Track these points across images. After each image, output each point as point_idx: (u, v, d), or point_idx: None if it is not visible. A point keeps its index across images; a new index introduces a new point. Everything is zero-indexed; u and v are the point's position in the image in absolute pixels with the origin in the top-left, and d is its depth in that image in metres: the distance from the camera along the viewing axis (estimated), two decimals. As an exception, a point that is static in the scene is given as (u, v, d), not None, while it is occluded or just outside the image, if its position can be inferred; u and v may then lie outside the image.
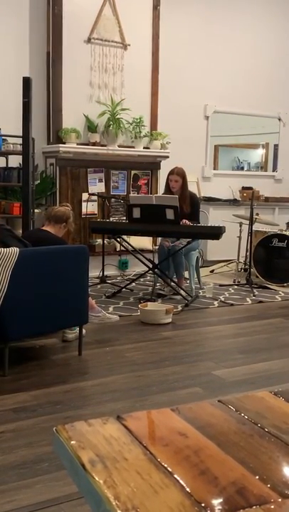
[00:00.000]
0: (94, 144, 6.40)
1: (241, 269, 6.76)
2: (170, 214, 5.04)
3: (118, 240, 5.66)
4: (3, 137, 5.74)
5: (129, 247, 5.61)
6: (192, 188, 6.57)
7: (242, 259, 6.79)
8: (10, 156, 5.96)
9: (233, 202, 7.49)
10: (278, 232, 6.39)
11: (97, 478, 0.93)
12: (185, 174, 5.61)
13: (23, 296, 3.32)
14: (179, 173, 5.56)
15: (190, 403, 1.32)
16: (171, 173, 5.61)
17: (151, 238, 6.46)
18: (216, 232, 5.19)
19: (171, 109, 7.04)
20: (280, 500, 0.89)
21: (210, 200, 7.40)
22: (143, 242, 6.27)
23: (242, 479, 0.94)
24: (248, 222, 6.24)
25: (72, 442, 1.06)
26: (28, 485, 2.16)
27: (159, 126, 6.88)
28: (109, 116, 6.40)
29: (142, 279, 6.00)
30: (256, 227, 6.47)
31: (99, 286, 5.89)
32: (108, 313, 4.72)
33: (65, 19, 6.15)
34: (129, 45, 6.56)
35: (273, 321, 4.88)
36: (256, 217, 6.34)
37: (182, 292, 5.40)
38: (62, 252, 3.67)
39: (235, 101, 7.67)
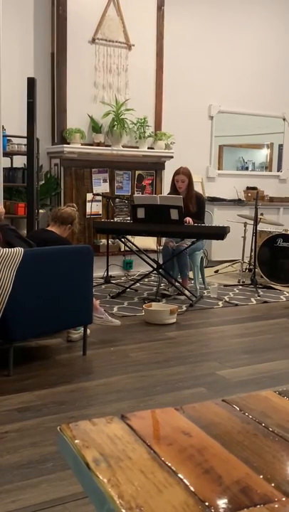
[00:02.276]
0: (98, 145, 6.40)
1: (246, 269, 6.75)
2: (174, 214, 5.04)
3: (122, 240, 5.65)
4: (8, 137, 5.74)
5: (134, 247, 5.61)
6: (197, 188, 6.57)
7: (246, 260, 6.78)
8: (14, 157, 5.97)
9: (237, 202, 7.48)
10: (283, 232, 6.38)
11: (101, 477, 0.93)
12: (190, 173, 5.61)
13: (27, 297, 3.32)
14: (184, 173, 5.56)
15: (194, 403, 1.32)
16: (177, 173, 5.60)
17: (155, 238, 6.46)
18: (220, 233, 5.19)
19: (176, 109, 7.04)
20: (284, 499, 0.88)
21: (214, 200, 7.40)
22: (147, 242, 6.27)
23: (246, 478, 0.94)
24: (252, 222, 6.23)
25: (76, 441, 1.06)
26: (33, 484, 2.17)
27: (163, 127, 6.88)
28: (113, 116, 6.40)
29: (146, 280, 6.00)
30: (261, 227, 6.46)
31: (103, 286, 5.89)
32: (111, 314, 4.72)
33: (69, 20, 6.16)
34: (133, 45, 6.56)
35: (278, 321, 4.87)
36: (261, 217, 6.33)
37: (186, 292, 5.40)
38: (66, 253, 3.67)
39: (240, 101, 7.66)
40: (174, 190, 5.63)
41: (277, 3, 7.88)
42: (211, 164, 7.74)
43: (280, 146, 8.45)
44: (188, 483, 0.92)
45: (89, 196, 6.38)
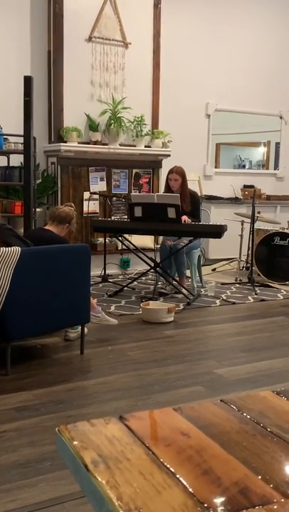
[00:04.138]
0: (95, 143, 6.40)
1: (243, 267, 6.76)
2: (172, 213, 5.04)
3: (120, 238, 5.65)
4: (5, 136, 5.73)
5: (131, 245, 5.61)
6: (194, 186, 6.57)
7: (244, 258, 6.79)
8: (11, 155, 5.96)
9: (234, 200, 7.48)
10: (280, 230, 6.38)
11: (99, 479, 0.93)
12: (184, 173, 5.60)
13: (25, 296, 3.32)
14: (178, 172, 5.56)
15: (192, 402, 1.32)
16: (170, 172, 5.60)
17: (152, 237, 6.46)
18: (217, 231, 5.19)
19: (173, 107, 7.03)
20: (282, 500, 0.89)
21: (211, 198, 7.40)
22: (145, 240, 6.27)
23: (245, 479, 0.95)
24: (249, 220, 6.24)
25: (74, 442, 1.06)
26: (31, 484, 2.17)
27: (160, 125, 6.88)
28: (110, 114, 6.40)
29: (143, 278, 6.00)
30: (258, 225, 6.47)
31: (101, 285, 5.89)
32: (109, 312, 4.71)
33: (66, 18, 6.15)
34: (130, 43, 6.55)
35: (275, 319, 4.88)
36: (258, 215, 6.34)
37: (184, 291, 5.40)
38: (64, 251, 3.67)
39: (237, 99, 7.65)
40: (168, 189, 5.63)
41: (275, 1, 7.88)
42: (208, 162, 7.74)
43: (277, 144, 8.46)
44: (187, 485, 0.92)
45: (86, 195, 6.38)
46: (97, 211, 6.51)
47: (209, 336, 4.40)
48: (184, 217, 5.29)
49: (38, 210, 5.90)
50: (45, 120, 6.35)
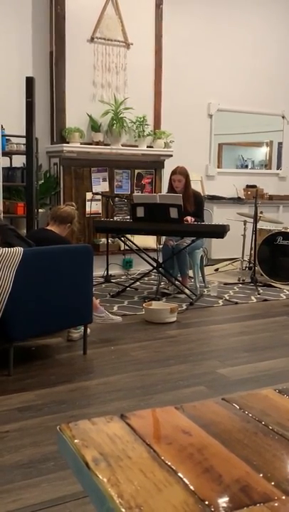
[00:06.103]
0: (97, 144, 6.40)
1: (246, 267, 6.75)
2: (174, 213, 5.04)
3: (122, 239, 5.65)
4: (7, 137, 5.74)
5: (134, 246, 5.61)
6: (196, 186, 6.56)
7: (246, 258, 6.78)
8: (14, 156, 5.97)
9: (237, 200, 7.48)
10: (282, 230, 6.37)
11: (100, 477, 0.93)
12: (187, 173, 5.60)
13: (27, 296, 3.32)
14: (181, 173, 5.55)
15: (194, 402, 1.32)
16: (174, 173, 5.59)
17: (155, 237, 6.45)
18: (220, 231, 5.18)
19: (175, 107, 7.03)
20: (284, 497, 0.88)
21: (214, 198, 7.39)
22: (147, 241, 6.26)
23: (246, 477, 0.94)
24: (252, 220, 6.23)
25: (75, 441, 1.06)
26: (34, 484, 2.17)
27: (162, 125, 6.87)
28: (112, 115, 6.40)
29: (146, 278, 6.00)
30: (260, 225, 6.45)
31: (103, 285, 5.89)
32: (111, 312, 4.72)
33: (67, 19, 6.15)
34: (132, 44, 6.56)
35: (278, 319, 4.87)
36: (260, 215, 6.33)
37: (187, 291, 5.40)
38: (66, 252, 3.67)
39: (239, 99, 7.65)
40: (171, 189, 5.62)
41: (276, 1, 7.87)
42: (210, 162, 7.73)
43: (280, 144, 8.45)
44: (188, 482, 0.92)
45: (88, 195, 6.38)
46: (100, 212, 6.51)
47: (212, 335, 4.40)
48: (188, 218, 5.29)
49: (40, 210, 5.90)
50: (48, 121, 6.36)
